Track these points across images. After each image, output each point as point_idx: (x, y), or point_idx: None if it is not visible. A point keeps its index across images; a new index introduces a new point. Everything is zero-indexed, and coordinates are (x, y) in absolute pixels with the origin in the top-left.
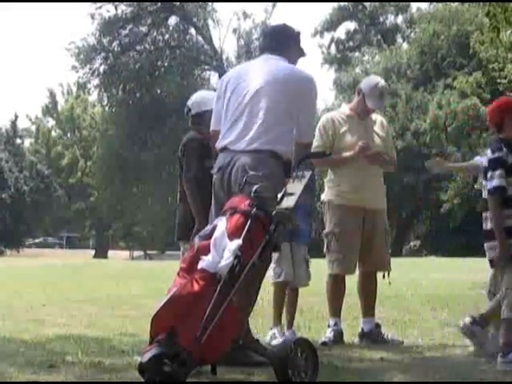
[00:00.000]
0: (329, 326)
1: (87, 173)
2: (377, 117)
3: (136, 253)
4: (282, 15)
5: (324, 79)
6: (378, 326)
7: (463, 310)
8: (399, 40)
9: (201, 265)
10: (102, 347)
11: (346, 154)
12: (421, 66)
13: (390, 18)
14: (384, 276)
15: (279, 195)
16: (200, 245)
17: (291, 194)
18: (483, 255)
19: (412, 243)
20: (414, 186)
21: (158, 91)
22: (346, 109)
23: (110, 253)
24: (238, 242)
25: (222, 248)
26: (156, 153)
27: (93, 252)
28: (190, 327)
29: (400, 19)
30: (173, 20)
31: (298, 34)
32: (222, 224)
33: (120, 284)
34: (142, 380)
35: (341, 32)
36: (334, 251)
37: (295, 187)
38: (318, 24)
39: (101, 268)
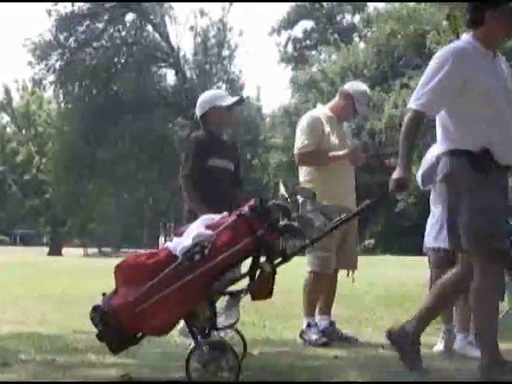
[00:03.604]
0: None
1: (42, 169)
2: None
3: (90, 250)
4: (240, 13)
5: (281, 77)
6: (332, 323)
7: (417, 307)
8: (356, 39)
9: (167, 243)
10: (55, 345)
11: (339, 152)
12: (377, 65)
13: (347, 17)
14: (348, 274)
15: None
16: (179, 229)
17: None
18: None
19: (367, 241)
20: (369, 185)
21: (115, 88)
22: (325, 110)
23: (65, 250)
24: (204, 231)
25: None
26: (112, 150)
27: (47, 249)
28: (126, 292)
29: (357, 18)
30: (130, 17)
31: None
32: (210, 216)
33: (74, 281)
34: (97, 379)
35: (298, 31)
36: (319, 249)
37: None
38: (275, 22)
39: (55, 265)
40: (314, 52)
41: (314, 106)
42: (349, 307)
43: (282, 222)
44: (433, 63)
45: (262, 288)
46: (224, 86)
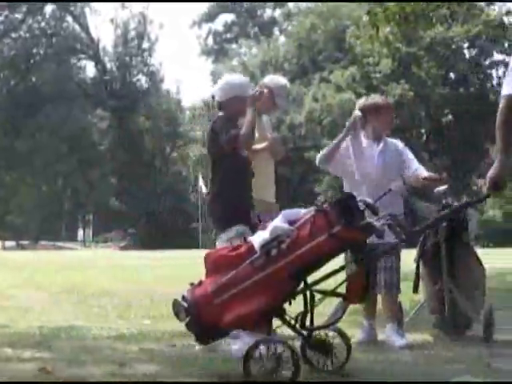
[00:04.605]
0: None
1: None
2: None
3: (8, 243)
4: (160, 6)
5: (201, 70)
6: None
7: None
8: (277, 33)
9: (250, 237)
10: None
11: (259, 146)
12: (298, 59)
13: (268, 11)
14: None
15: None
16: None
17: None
18: None
19: None
20: (288, 178)
21: (34, 79)
22: None
23: None
24: (282, 224)
25: None
26: (30, 141)
27: None
28: (208, 284)
29: (278, 12)
30: (49, 7)
31: None
32: (294, 210)
33: None
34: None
35: (218, 24)
36: None
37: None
38: (195, 15)
39: None
40: (234, 45)
41: None
42: None
43: (365, 220)
44: None
45: (353, 289)
46: (144, 79)
